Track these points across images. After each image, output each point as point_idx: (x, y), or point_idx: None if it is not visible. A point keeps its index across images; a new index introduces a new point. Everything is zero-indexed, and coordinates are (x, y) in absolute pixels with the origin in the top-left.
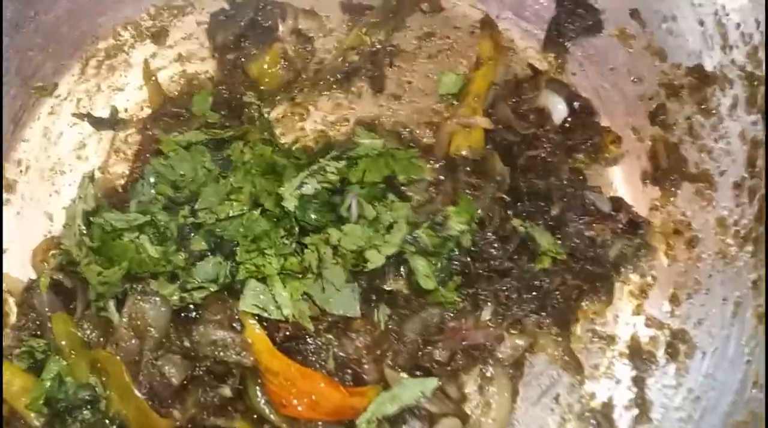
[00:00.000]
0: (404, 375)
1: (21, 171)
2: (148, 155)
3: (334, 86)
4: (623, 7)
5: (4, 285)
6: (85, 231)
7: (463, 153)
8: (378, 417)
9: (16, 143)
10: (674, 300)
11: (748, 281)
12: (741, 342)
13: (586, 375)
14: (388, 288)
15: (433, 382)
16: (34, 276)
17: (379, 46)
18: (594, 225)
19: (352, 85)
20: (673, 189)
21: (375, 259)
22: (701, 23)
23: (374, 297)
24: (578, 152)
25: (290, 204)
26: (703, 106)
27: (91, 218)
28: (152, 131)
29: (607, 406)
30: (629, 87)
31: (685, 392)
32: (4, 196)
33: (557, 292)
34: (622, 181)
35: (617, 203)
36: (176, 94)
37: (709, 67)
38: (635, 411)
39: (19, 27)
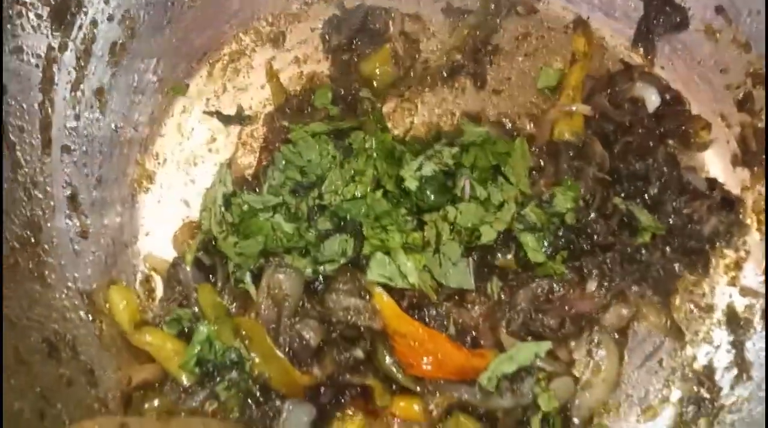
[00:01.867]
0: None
1: (159, 163)
2: (277, 144)
3: (440, 83)
4: (709, 4)
5: (148, 264)
6: (224, 211)
7: (566, 137)
8: (498, 376)
9: (153, 138)
10: None
11: None
12: None
13: (687, 340)
14: (498, 264)
15: (546, 344)
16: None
17: (479, 46)
18: (690, 202)
19: (455, 82)
20: (762, 170)
21: (488, 234)
22: None
23: (486, 271)
24: (670, 138)
25: (412, 184)
26: None
27: (230, 199)
28: (280, 123)
29: (709, 368)
30: (716, 78)
31: None
32: (145, 185)
33: (657, 265)
34: (713, 165)
35: (711, 183)
36: (297, 90)
37: None
38: (735, 371)
39: (155, 33)
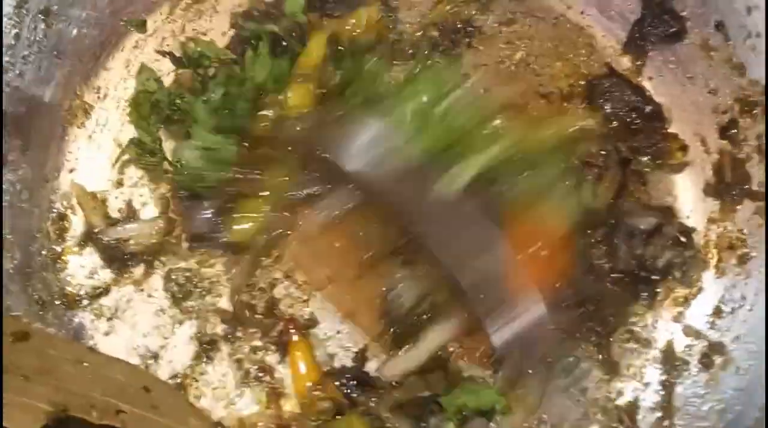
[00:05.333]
0: None
1: (99, 97)
2: None
3: (409, 58)
4: (709, 18)
5: (75, 198)
6: None
7: None
8: None
9: (97, 70)
10: (717, 312)
11: None
12: None
13: (616, 373)
14: None
15: None
16: None
17: (460, 26)
18: (643, 246)
19: (427, 59)
20: (733, 204)
21: None
22: None
23: None
24: (643, 155)
25: None
26: None
27: None
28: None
29: (632, 406)
30: (704, 98)
31: (712, 403)
32: (80, 118)
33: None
34: (683, 190)
35: (666, 213)
36: None
37: None
38: (658, 414)
39: None
